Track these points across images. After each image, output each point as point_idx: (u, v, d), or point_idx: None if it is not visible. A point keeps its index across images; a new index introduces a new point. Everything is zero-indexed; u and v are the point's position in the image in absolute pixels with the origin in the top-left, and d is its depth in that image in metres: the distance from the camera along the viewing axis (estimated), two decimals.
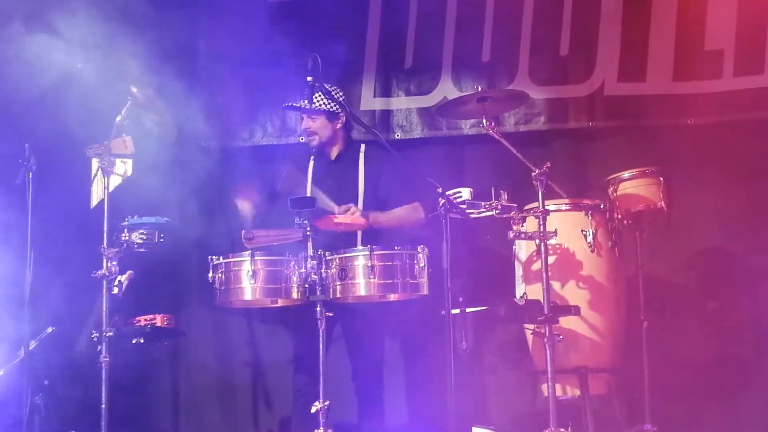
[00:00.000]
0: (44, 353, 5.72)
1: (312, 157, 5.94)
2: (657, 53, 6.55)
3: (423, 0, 6.77)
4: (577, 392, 5.61)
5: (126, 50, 5.73)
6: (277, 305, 5.52)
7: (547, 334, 5.29)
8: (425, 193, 5.48)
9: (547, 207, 5.40)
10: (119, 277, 5.47)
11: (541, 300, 5.33)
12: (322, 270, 5.24)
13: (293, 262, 5.27)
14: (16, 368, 5.59)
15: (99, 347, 5.42)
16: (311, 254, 5.23)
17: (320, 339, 5.17)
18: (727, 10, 6.48)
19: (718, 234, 6.47)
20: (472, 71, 6.69)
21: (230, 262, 5.31)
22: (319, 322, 5.18)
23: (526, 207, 5.59)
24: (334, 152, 5.95)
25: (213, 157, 6.25)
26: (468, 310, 5.46)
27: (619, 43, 6.59)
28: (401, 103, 6.82)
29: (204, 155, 6.38)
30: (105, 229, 5.48)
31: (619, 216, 5.78)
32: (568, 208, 5.76)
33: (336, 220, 5.45)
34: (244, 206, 5.93)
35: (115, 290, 5.46)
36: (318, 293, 5.22)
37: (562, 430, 5.25)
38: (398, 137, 6.78)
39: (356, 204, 5.74)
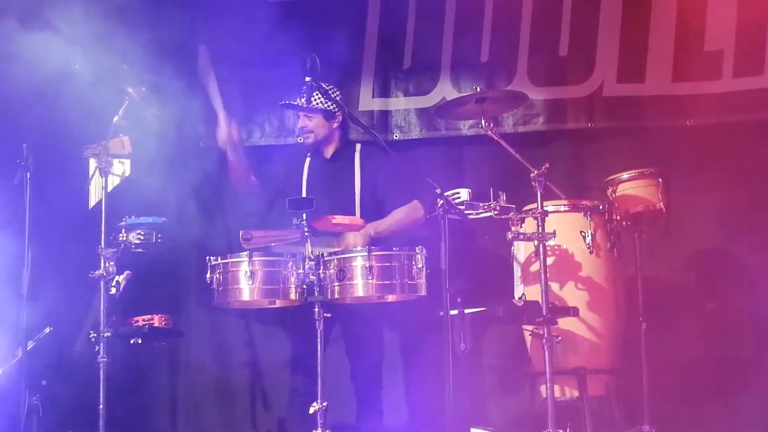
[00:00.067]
0: (42, 353, 5.71)
1: (308, 156, 5.94)
2: (656, 54, 6.54)
3: (422, 0, 6.77)
4: (576, 393, 5.61)
5: (121, 51, 5.72)
6: (275, 306, 5.51)
7: (546, 335, 5.29)
8: (424, 191, 5.47)
9: (545, 208, 5.40)
10: (117, 278, 5.46)
11: (540, 301, 5.32)
12: (320, 271, 5.23)
13: (291, 263, 5.26)
14: (14, 368, 5.59)
15: (97, 347, 5.41)
16: (309, 255, 5.23)
17: (318, 340, 5.16)
18: (726, 11, 6.48)
19: (717, 235, 6.47)
20: (470, 72, 6.68)
21: (228, 262, 5.30)
22: (317, 322, 5.17)
23: (525, 208, 5.58)
24: (330, 151, 5.95)
25: (211, 157, 6.23)
26: (466, 311, 5.45)
27: (619, 43, 6.58)
28: (400, 103, 6.81)
29: (202, 155, 6.38)
30: (103, 229, 5.48)
31: (618, 217, 5.77)
32: (566, 209, 5.75)
33: (334, 221, 5.44)
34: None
35: (113, 290, 5.45)
36: (316, 294, 5.22)
37: (561, 431, 5.25)
38: (397, 138, 6.78)
39: (353, 204, 5.75)
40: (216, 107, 5.89)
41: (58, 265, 5.94)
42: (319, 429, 5.09)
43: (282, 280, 5.27)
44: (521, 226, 5.53)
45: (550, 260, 5.47)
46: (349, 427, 5.82)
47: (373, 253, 5.21)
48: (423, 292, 5.28)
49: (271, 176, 6.03)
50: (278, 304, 5.47)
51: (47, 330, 5.74)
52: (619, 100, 6.59)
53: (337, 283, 5.22)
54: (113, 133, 5.59)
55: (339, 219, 5.47)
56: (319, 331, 5.16)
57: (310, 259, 5.21)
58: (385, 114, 6.82)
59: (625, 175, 5.84)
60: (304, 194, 5.80)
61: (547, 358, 5.29)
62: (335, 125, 5.90)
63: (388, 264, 5.23)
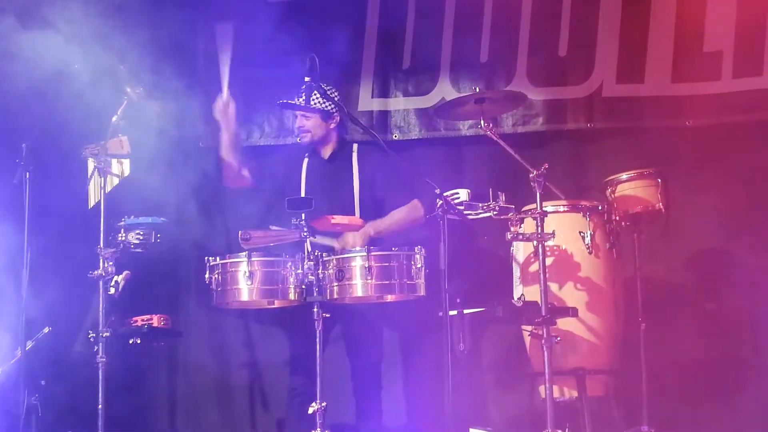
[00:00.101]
0: (41, 353, 5.71)
1: (306, 156, 5.93)
2: (656, 54, 6.54)
3: (421, 0, 6.77)
4: (575, 394, 5.61)
5: (119, 51, 5.72)
6: (274, 306, 5.51)
7: (545, 335, 5.29)
8: (423, 191, 5.47)
9: (545, 208, 5.40)
10: (116, 278, 5.47)
11: (539, 301, 5.32)
12: (319, 271, 5.23)
13: (290, 263, 5.26)
14: (13, 368, 5.59)
15: (96, 347, 5.42)
16: (308, 255, 5.23)
17: (317, 340, 5.16)
18: (726, 11, 6.47)
19: (717, 235, 6.46)
20: (470, 72, 6.68)
21: (227, 263, 5.30)
22: (316, 323, 5.17)
23: (524, 208, 5.58)
24: (327, 152, 5.94)
25: (211, 157, 6.23)
26: (465, 311, 5.45)
27: (618, 44, 6.57)
28: (399, 103, 6.81)
29: (202, 155, 6.38)
30: (102, 229, 5.47)
31: (617, 217, 5.77)
32: (566, 209, 5.75)
33: (333, 221, 5.43)
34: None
35: (112, 290, 5.46)
36: (315, 294, 5.22)
37: (560, 431, 5.24)
38: (396, 138, 6.78)
39: (353, 204, 5.74)
40: (222, 83, 5.82)
41: (57, 265, 5.93)
42: (318, 429, 5.09)
43: (281, 281, 5.27)
44: (520, 227, 5.53)
45: (549, 260, 5.47)
46: (348, 427, 5.82)
47: (372, 254, 5.21)
48: (422, 292, 5.28)
49: (270, 176, 6.02)
50: (277, 304, 5.47)
51: (46, 330, 5.74)
52: (619, 101, 6.58)
53: (336, 284, 5.22)
54: (112, 133, 5.59)
55: (338, 219, 5.47)
56: (318, 332, 5.16)
57: (309, 260, 5.21)
58: (385, 114, 6.81)
59: (624, 176, 5.83)
60: (303, 194, 5.79)
61: (546, 359, 5.28)
62: (332, 126, 5.89)
63: (387, 264, 5.23)
